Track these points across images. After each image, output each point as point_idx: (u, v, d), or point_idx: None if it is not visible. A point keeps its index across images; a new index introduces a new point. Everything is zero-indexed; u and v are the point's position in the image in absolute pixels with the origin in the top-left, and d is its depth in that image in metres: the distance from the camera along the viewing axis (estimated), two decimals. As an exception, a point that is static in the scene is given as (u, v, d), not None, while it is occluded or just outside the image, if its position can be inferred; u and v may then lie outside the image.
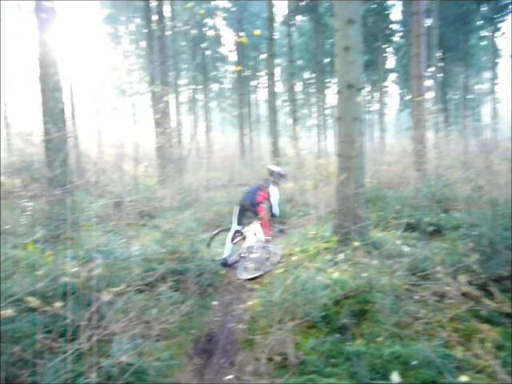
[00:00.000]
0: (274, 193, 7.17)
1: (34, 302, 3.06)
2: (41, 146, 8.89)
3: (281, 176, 7.34)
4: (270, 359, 3.68)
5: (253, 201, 6.93)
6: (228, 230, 7.54)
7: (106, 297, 3.38)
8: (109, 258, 5.07)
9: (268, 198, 7.09)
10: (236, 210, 7.28)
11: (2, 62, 21.01)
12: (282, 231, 7.48)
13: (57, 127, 7.83)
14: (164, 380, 3.48)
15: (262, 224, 7.00)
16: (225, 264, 6.90)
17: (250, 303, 5.52)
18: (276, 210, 7.22)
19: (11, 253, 4.90)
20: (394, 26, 32.04)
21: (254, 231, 7.07)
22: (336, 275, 5.57)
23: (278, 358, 3.68)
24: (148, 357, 3.51)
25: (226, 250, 7.04)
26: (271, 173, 7.30)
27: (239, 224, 7.17)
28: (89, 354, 3.14)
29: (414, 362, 3.41)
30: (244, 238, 7.18)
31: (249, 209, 7.06)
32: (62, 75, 8.89)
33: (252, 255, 6.68)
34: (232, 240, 7.11)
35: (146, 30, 19.58)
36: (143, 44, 29.20)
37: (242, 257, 6.93)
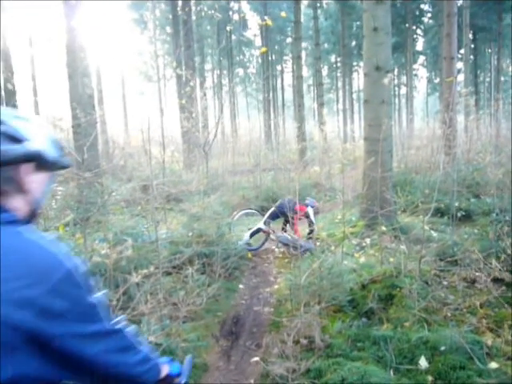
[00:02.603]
0: (311, 213, 7.24)
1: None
2: (69, 131, 9.03)
3: (312, 207, 7.40)
4: (296, 342, 3.69)
5: (292, 207, 6.92)
6: (250, 210, 7.81)
7: (134, 278, 3.43)
8: (137, 241, 5.14)
9: (304, 213, 7.13)
10: (271, 210, 7.36)
11: (33, 51, 21.36)
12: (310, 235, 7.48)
13: (85, 112, 7.92)
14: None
15: (294, 229, 7.06)
16: (249, 249, 6.97)
17: (276, 286, 5.55)
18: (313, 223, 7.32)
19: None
20: (424, 7, 31.23)
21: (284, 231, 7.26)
22: (363, 260, 5.54)
23: (304, 341, 3.69)
24: (175, 337, 3.57)
25: (243, 239, 7.10)
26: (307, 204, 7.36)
27: (267, 223, 7.20)
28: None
29: (443, 348, 3.37)
30: (265, 236, 7.28)
31: (285, 212, 7.05)
32: (90, 61, 8.99)
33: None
34: (251, 236, 7.17)
35: (171, 16, 19.58)
36: (169, 29, 29.23)
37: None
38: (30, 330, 0.90)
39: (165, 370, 1.36)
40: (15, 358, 0.89)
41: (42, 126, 1.16)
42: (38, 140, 1.11)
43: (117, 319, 1.15)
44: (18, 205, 1.07)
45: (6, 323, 0.87)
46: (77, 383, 1.12)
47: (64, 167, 1.22)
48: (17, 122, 1.08)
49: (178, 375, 1.45)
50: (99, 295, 1.09)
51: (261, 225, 7.20)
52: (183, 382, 1.46)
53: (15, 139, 1.05)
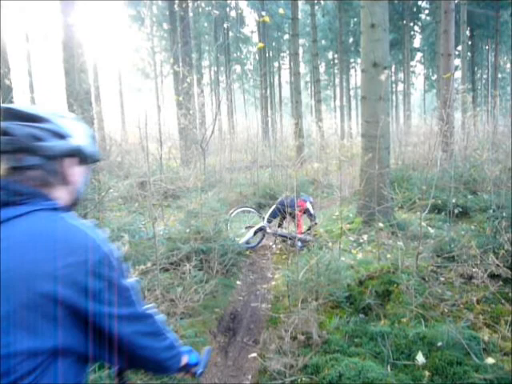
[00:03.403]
0: (310, 207, 7.28)
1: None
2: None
3: (311, 202, 7.44)
4: (293, 338, 3.70)
5: (292, 203, 6.92)
6: (247, 208, 7.80)
7: (132, 275, 3.43)
8: (134, 238, 5.14)
9: (304, 208, 7.16)
10: (272, 207, 7.36)
11: (29, 47, 21.27)
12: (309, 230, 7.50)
13: (82, 109, 7.90)
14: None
15: (297, 224, 7.07)
16: (247, 249, 6.97)
17: (273, 283, 5.56)
18: (314, 217, 7.38)
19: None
20: (422, 3, 31.21)
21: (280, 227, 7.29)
22: (360, 256, 5.55)
23: (301, 337, 3.70)
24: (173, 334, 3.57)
25: (245, 238, 7.09)
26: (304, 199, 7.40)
27: (269, 221, 7.20)
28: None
29: (440, 343, 3.38)
30: (263, 232, 7.30)
31: (288, 208, 7.06)
32: (87, 57, 8.96)
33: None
34: (254, 233, 7.16)
35: (168, 12, 19.51)
36: (166, 26, 29.15)
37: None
38: (72, 306, 1.02)
39: (185, 360, 1.48)
40: (59, 329, 1.00)
41: (80, 124, 1.30)
42: (79, 136, 1.26)
43: (148, 306, 1.24)
44: (61, 194, 1.21)
45: (52, 297, 0.99)
46: (107, 362, 1.22)
47: (98, 160, 1.36)
48: (61, 120, 1.22)
49: (196, 365, 1.56)
50: (132, 280, 1.19)
51: (264, 223, 7.20)
52: (199, 371, 1.57)
53: (60, 136, 1.20)
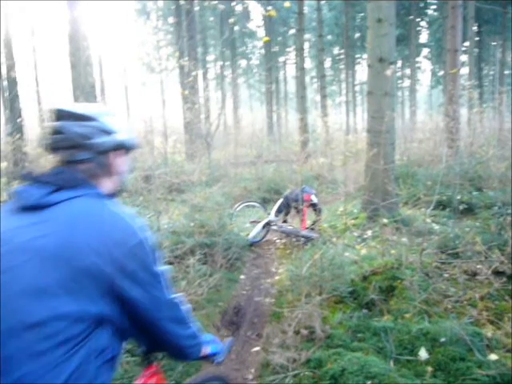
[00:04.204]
0: (315, 199, 7.31)
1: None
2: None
3: (316, 195, 7.47)
4: (296, 332, 3.71)
5: (298, 197, 6.92)
6: (252, 202, 7.83)
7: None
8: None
9: (310, 201, 7.15)
10: (279, 201, 7.35)
11: (35, 40, 21.29)
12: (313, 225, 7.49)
13: (87, 102, 7.90)
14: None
15: (302, 219, 7.07)
16: (251, 244, 6.97)
17: (277, 277, 5.56)
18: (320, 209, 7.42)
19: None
20: (429, -1, 31.00)
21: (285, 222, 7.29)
22: (364, 251, 5.54)
23: (304, 332, 3.71)
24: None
25: (253, 233, 7.08)
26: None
27: (276, 216, 7.21)
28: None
29: (443, 339, 3.38)
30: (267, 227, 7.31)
31: (293, 203, 7.07)
32: (93, 51, 8.97)
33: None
34: (263, 227, 7.16)
35: (174, 6, 19.47)
36: (171, 20, 29.08)
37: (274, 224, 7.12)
38: (110, 281, 1.14)
39: (206, 350, 1.61)
40: (101, 299, 1.13)
41: (121, 119, 1.45)
42: (122, 131, 1.42)
43: (177, 294, 1.36)
44: (106, 183, 1.38)
45: (95, 270, 1.11)
46: (135, 340, 1.38)
47: (135, 148, 1.53)
48: (106, 118, 1.37)
49: (216, 354, 1.69)
50: (164, 268, 1.31)
51: (271, 217, 7.19)
52: (219, 360, 1.71)
53: (107, 132, 1.35)
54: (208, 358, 1.65)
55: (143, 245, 1.23)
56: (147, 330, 1.29)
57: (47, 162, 1.12)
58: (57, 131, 1.30)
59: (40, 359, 1.04)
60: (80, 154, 1.29)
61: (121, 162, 1.43)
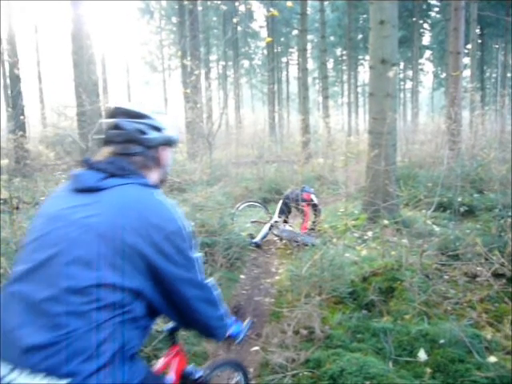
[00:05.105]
0: (315, 199, 7.32)
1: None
2: (74, 119, 9.04)
3: (316, 195, 7.49)
4: (296, 332, 3.71)
5: (297, 197, 6.92)
6: (253, 202, 7.85)
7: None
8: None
9: (310, 200, 7.16)
10: (279, 203, 7.35)
11: (38, 38, 21.31)
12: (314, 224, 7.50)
13: (90, 100, 7.92)
14: (192, 349, 3.56)
15: (304, 219, 7.05)
16: (257, 245, 6.96)
17: (277, 277, 5.57)
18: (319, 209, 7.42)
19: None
20: (432, 1, 30.97)
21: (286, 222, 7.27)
22: (364, 252, 5.54)
23: (304, 332, 3.71)
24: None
25: (260, 235, 7.08)
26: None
27: (279, 217, 7.21)
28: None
29: (442, 341, 3.38)
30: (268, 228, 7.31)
31: (293, 203, 7.07)
32: (96, 49, 8.98)
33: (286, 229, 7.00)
34: (270, 229, 7.15)
35: (177, 5, 19.47)
36: (175, 19, 29.10)
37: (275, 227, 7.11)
38: (149, 260, 1.27)
39: (230, 331, 1.78)
40: (139, 276, 1.26)
41: (168, 116, 1.62)
42: (170, 128, 1.59)
43: (209, 279, 1.49)
44: (153, 174, 1.55)
45: (135, 249, 1.25)
46: (168, 317, 1.50)
47: (177, 143, 1.71)
48: (156, 116, 1.54)
49: (238, 334, 1.85)
50: (199, 254, 1.45)
51: (276, 218, 7.19)
52: (240, 339, 1.87)
53: (158, 129, 1.53)
54: (231, 337, 1.81)
55: (181, 231, 1.36)
56: (179, 308, 1.41)
57: (103, 152, 1.25)
58: (114, 126, 1.48)
59: (84, 319, 1.18)
60: (133, 148, 1.47)
61: (166, 156, 1.60)
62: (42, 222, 1.38)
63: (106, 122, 1.52)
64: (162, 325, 2.11)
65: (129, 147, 1.47)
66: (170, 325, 1.89)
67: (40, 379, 1.14)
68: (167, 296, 1.36)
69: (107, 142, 1.50)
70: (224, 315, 1.61)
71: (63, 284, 1.21)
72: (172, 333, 1.90)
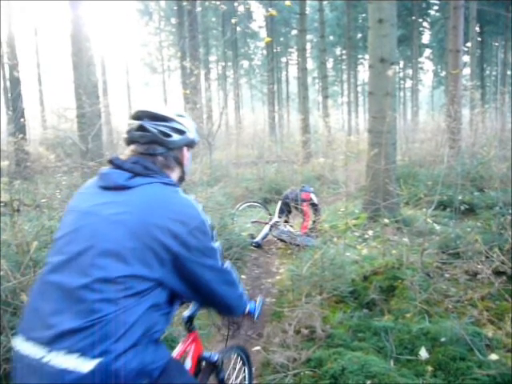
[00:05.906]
0: (315, 198, 7.30)
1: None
2: (74, 121, 9.04)
3: (315, 194, 7.47)
4: (297, 332, 3.71)
5: (296, 197, 6.91)
6: (254, 202, 7.86)
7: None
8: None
9: (310, 200, 7.15)
10: (279, 203, 7.35)
11: (37, 40, 21.31)
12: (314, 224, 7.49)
13: (90, 102, 7.93)
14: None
15: (304, 219, 7.05)
16: (257, 246, 6.95)
17: (278, 277, 5.57)
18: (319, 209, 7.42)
19: (47, 224, 5.04)
20: (431, -1, 30.95)
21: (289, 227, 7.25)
22: (365, 251, 5.54)
23: (305, 331, 3.71)
24: (177, 326, 3.59)
25: (260, 235, 7.07)
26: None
27: (279, 217, 7.20)
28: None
29: (443, 339, 3.38)
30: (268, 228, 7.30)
31: (292, 202, 7.06)
32: (95, 51, 8.99)
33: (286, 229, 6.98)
34: (270, 229, 7.15)
35: (176, 6, 19.47)
36: (174, 20, 29.09)
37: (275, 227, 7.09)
38: (174, 253, 1.40)
39: (247, 308, 1.92)
40: (164, 267, 1.39)
41: (189, 119, 1.74)
42: (191, 130, 1.70)
43: (227, 263, 1.64)
44: (175, 173, 1.68)
45: (162, 243, 1.37)
46: (191, 300, 1.80)
47: (197, 145, 1.83)
48: (179, 119, 1.65)
49: (253, 311, 1.99)
50: (218, 243, 1.59)
51: (276, 218, 7.19)
52: (256, 316, 2.00)
53: (181, 132, 1.64)
54: (248, 314, 1.97)
55: (203, 226, 1.49)
56: (202, 292, 1.55)
57: (127, 152, 1.34)
58: (139, 128, 1.57)
59: (115, 305, 1.30)
60: (157, 149, 1.57)
61: (187, 156, 1.73)
62: (74, 216, 1.49)
63: (130, 123, 1.61)
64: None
65: (152, 148, 1.57)
66: (187, 313, 2.05)
67: (75, 358, 1.24)
68: (191, 283, 1.49)
69: (131, 141, 1.60)
70: (242, 294, 1.76)
71: (96, 274, 1.32)
72: (189, 320, 2.04)
